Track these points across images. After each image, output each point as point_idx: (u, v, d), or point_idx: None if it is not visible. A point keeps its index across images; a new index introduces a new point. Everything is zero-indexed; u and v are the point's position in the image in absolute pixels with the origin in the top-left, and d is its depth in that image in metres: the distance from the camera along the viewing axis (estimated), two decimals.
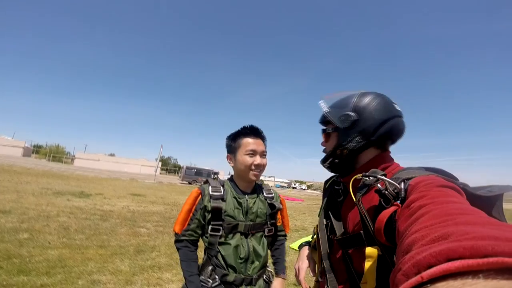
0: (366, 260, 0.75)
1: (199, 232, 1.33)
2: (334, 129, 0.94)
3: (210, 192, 1.31)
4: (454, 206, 0.43)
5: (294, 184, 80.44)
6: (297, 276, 1.15)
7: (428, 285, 0.23)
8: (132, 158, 52.07)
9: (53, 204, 6.84)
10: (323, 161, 1.00)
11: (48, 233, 4.31)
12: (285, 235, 1.58)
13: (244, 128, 1.38)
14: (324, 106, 0.96)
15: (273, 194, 1.49)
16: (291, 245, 5.21)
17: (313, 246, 1.18)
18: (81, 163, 44.55)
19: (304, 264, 1.15)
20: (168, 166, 65.02)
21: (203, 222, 1.31)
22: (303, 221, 9.22)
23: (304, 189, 72.03)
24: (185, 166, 31.44)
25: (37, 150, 57.80)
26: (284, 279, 1.50)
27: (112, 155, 60.04)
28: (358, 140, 0.88)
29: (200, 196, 1.33)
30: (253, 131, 1.37)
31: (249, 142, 1.33)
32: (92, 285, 2.69)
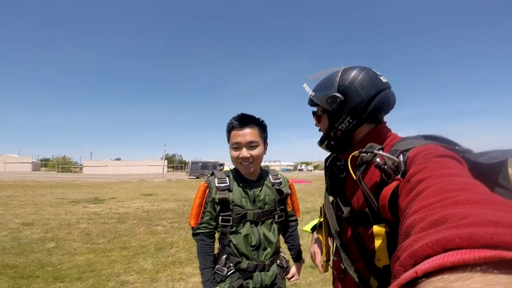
0: (375, 238, 0.76)
1: (213, 223, 1.36)
2: (323, 110, 0.94)
3: (217, 184, 1.34)
4: (453, 180, 0.42)
5: (300, 166, 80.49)
6: (313, 259, 1.17)
7: (424, 279, 0.22)
8: (138, 160, 52.75)
9: (71, 212, 7.11)
10: (320, 143, 0.99)
11: (72, 240, 4.56)
12: (296, 220, 1.59)
13: (232, 119, 1.34)
14: (309, 90, 0.95)
15: (281, 179, 1.47)
16: (304, 228, 5.35)
17: (319, 225, 1.20)
18: (90, 170, 45.25)
19: (319, 248, 1.16)
20: (174, 163, 65.68)
21: (214, 213, 1.34)
22: (313, 202, 9.38)
23: (311, 170, 72.10)
24: (190, 161, 31.74)
25: (45, 163, 58.66)
26: (301, 263, 1.56)
27: (118, 159, 60.82)
28: (349, 120, 0.87)
29: (208, 189, 1.36)
30: (240, 121, 1.31)
31: (234, 135, 1.31)
32: (121, 286, 2.91)
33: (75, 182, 19.39)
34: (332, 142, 0.94)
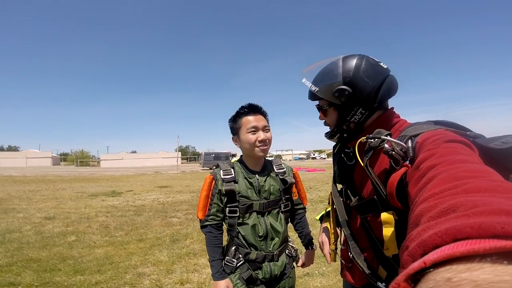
0: (383, 226, 0.74)
1: (221, 215, 1.38)
2: (329, 104, 0.91)
3: (222, 176, 1.35)
4: (464, 167, 0.41)
5: (313, 154, 79.96)
6: (321, 249, 1.16)
7: (432, 269, 0.22)
8: (152, 153, 53.88)
9: (90, 206, 7.36)
10: (331, 137, 0.97)
11: (91, 233, 4.72)
12: (304, 208, 1.60)
13: (242, 108, 1.39)
14: (311, 85, 0.91)
15: (285, 169, 1.49)
16: (317, 217, 5.34)
17: (327, 214, 1.19)
18: (107, 164, 46.63)
19: (327, 237, 1.15)
20: (188, 154, 66.71)
21: (221, 205, 1.36)
22: (327, 191, 9.32)
23: (324, 158, 71.37)
24: (203, 153, 32.18)
25: (64, 158, 60.89)
26: (313, 249, 1.56)
27: (133, 152, 62.39)
28: (361, 111, 0.86)
29: (214, 181, 1.38)
30: (251, 108, 1.38)
31: (249, 120, 1.35)
32: (138, 277, 2.99)
33: (93, 175, 20.05)
34: (345, 135, 0.92)
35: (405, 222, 0.69)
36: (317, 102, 0.98)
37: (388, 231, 0.73)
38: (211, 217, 1.37)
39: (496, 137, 0.61)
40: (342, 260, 1.06)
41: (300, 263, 1.53)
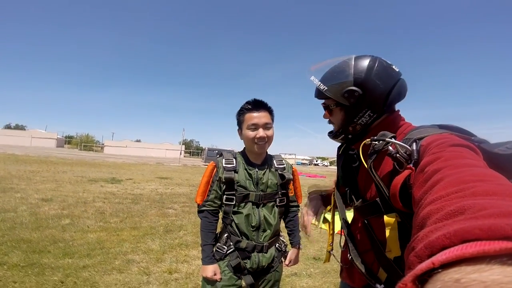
0: (386, 228, 0.74)
1: (218, 202, 1.42)
2: (336, 104, 0.89)
3: (224, 164, 1.40)
4: (471, 171, 0.41)
5: (316, 161, 79.72)
6: (302, 220, 1.17)
7: (440, 270, 0.22)
8: (157, 143, 54.11)
9: (89, 191, 7.35)
10: (335, 137, 0.96)
11: (86, 218, 4.70)
12: (298, 206, 1.63)
13: (246, 103, 1.42)
14: (319, 83, 0.89)
15: (285, 165, 1.52)
16: (313, 221, 5.29)
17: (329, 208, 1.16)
18: (110, 150, 46.93)
19: (312, 209, 1.17)
20: (191, 148, 66.95)
21: (220, 192, 1.40)
22: None
23: (327, 165, 71.30)
24: (207, 148, 32.25)
25: (68, 140, 61.42)
26: (299, 249, 1.61)
27: (138, 141, 62.65)
28: (369, 114, 0.84)
29: (215, 168, 1.41)
30: (255, 105, 1.40)
31: (251, 116, 1.38)
32: (127, 264, 2.95)
33: (96, 161, 20.15)
34: (350, 136, 0.91)
35: (407, 225, 0.68)
36: (322, 100, 0.97)
37: (390, 233, 0.73)
38: (208, 203, 1.41)
39: (500, 143, 0.62)
40: (341, 262, 1.06)
41: (287, 261, 1.57)
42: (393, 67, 0.85)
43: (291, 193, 1.55)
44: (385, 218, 0.74)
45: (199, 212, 1.43)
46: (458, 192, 0.34)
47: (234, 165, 1.41)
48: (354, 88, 0.82)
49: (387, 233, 0.74)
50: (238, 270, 1.38)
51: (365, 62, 0.83)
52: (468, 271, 0.20)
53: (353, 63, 0.84)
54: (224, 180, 1.37)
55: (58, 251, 3.11)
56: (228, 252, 1.38)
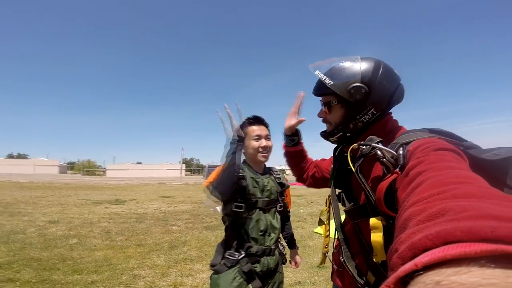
0: (372, 231, 0.74)
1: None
2: (338, 100, 0.89)
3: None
4: (453, 173, 0.42)
5: None
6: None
7: (421, 272, 0.22)
8: (157, 164, 54.29)
9: (94, 212, 7.46)
10: (330, 135, 0.94)
11: (93, 237, 4.80)
12: (289, 211, 1.81)
13: (248, 119, 1.58)
14: (325, 78, 0.88)
15: (280, 175, 1.68)
16: (315, 230, 5.33)
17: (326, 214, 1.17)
18: (112, 173, 47.00)
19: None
20: (192, 166, 66.99)
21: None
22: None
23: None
24: (207, 165, 32.29)
25: (71, 166, 61.69)
26: (297, 249, 1.80)
27: (139, 163, 62.92)
28: (373, 112, 0.85)
29: None
30: (256, 120, 1.57)
31: (254, 129, 1.54)
32: (134, 279, 3.05)
33: (99, 184, 20.24)
34: (348, 134, 0.91)
35: (392, 228, 0.65)
36: (320, 98, 0.98)
37: (376, 237, 0.73)
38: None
39: (488, 149, 0.61)
40: (333, 264, 1.07)
41: (293, 264, 1.70)
42: (395, 71, 0.89)
43: (286, 200, 1.69)
44: (371, 220, 0.75)
45: (209, 187, 1.38)
46: (440, 194, 0.34)
47: (243, 173, 1.49)
48: (361, 84, 0.83)
49: (373, 236, 0.74)
50: (249, 276, 1.41)
51: (372, 63, 0.86)
52: (448, 273, 0.20)
53: (359, 62, 0.87)
54: (238, 187, 1.42)
55: (67, 268, 3.22)
56: (239, 258, 1.41)
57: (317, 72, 0.90)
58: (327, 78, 0.88)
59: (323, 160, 1.33)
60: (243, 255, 1.42)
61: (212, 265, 1.46)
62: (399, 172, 0.60)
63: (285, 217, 1.75)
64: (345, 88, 0.85)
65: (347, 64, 0.88)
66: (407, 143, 0.65)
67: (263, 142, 1.53)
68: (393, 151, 0.65)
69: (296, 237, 1.35)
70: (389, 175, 0.64)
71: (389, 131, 0.87)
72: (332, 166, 1.08)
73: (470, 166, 0.51)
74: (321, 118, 0.99)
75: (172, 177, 40.96)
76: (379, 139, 0.74)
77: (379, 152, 0.68)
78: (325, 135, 0.97)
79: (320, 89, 0.93)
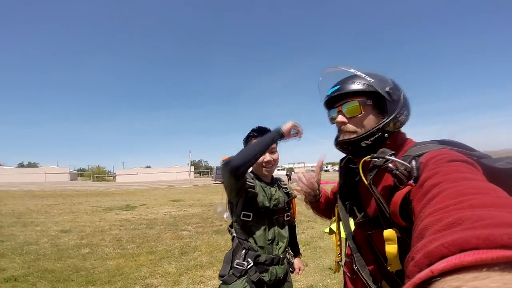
0: (386, 243, 0.74)
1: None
2: (374, 100, 0.86)
3: (247, 182, 1.43)
4: (469, 184, 0.42)
5: (326, 167, 78.76)
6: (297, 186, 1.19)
7: (438, 278, 0.22)
8: (166, 167, 54.76)
9: (105, 220, 7.55)
10: (364, 139, 0.85)
11: (104, 246, 4.86)
12: (294, 221, 1.79)
13: (252, 131, 1.55)
14: (365, 76, 0.86)
15: (287, 186, 1.68)
16: (326, 230, 5.28)
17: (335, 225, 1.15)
18: (122, 179, 47.60)
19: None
20: (200, 168, 67.40)
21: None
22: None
23: (337, 170, 69.78)
24: (215, 167, 32.36)
25: (81, 173, 62.76)
26: (300, 257, 1.80)
27: (148, 167, 63.49)
28: (406, 114, 0.86)
29: None
30: (260, 132, 1.53)
31: None
32: None
33: (109, 190, 20.51)
34: (386, 135, 0.84)
35: (407, 239, 0.69)
36: (338, 102, 0.92)
37: (391, 248, 0.73)
38: None
39: (501, 158, 0.62)
40: (346, 273, 1.05)
41: (297, 270, 1.70)
42: None
43: (292, 210, 1.68)
44: (385, 232, 0.74)
45: (226, 164, 1.30)
46: (456, 204, 0.35)
47: (253, 183, 1.48)
48: (396, 88, 0.85)
49: (387, 248, 0.74)
50: (258, 286, 1.40)
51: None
52: (467, 279, 0.20)
53: (378, 73, 0.88)
54: (249, 194, 1.42)
55: (81, 280, 3.25)
56: (248, 267, 1.39)
57: (352, 70, 0.87)
58: (367, 76, 0.85)
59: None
60: (251, 265, 1.40)
61: (221, 276, 1.44)
62: (413, 184, 0.60)
63: (290, 227, 1.74)
64: (383, 89, 0.83)
65: (370, 72, 0.87)
66: (419, 155, 0.65)
67: (267, 157, 1.50)
68: (406, 163, 0.65)
69: (307, 238, 1.30)
70: (403, 187, 0.64)
71: (399, 144, 0.86)
72: (339, 177, 1.06)
73: (485, 176, 0.51)
74: (340, 125, 0.90)
75: (181, 179, 41.23)
76: (392, 152, 0.74)
77: (390, 165, 0.69)
78: (354, 140, 0.86)
79: (346, 89, 0.86)
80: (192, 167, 41.39)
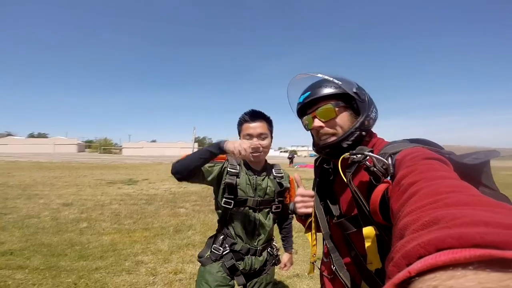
0: (365, 240, 0.75)
1: (195, 173, 1.36)
2: (345, 101, 0.87)
3: (228, 168, 1.45)
4: (444, 182, 0.44)
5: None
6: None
7: (417, 278, 0.23)
8: (171, 142, 55.34)
9: (107, 193, 7.74)
10: (344, 140, 0.85)
11: (102, 220, 4.98)
12: (290, 213, 1.67)
13: (243, 114, 1.49)
14: (333, 78, 0.87)
15: (283, 174, 1.58)
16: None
17: (309, 225, 1.14)
18: (128, 152, 48.49)
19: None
20: (204, 145, 68.01)
21: (208, 168, 1.39)
22: None
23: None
24: None
25: (88, 145, 63.86)
26: (291, 253, 1.74)
27: (153, 141, 64.28)
28: (375, 111, 0.89)
29: (225, 160, 1.46)
30: (251, 116, 1.46)
31: (247, 127, 1.45)
32: (136, 265, 3.14)
33: (114, 163, 20.95)
34: (364, 133, 0.86)
35: (385, 236, 0.71)
36: (306, 114, 0.93)
37: (370, 246, 0.74)
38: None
39: (467, 154, 0.66)
40: (324, 274, 1.05)
41: (282, 265, 1.68)
42: None
43: (287, 201, 1.61)
44: (364, 230, 0.75)
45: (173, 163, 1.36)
46: (433, 204, 0.36)
47: (238, 170, 1.45)
48: (360, 88, 0.88)
49: (367, 245, 0.75)
50: (232, 271, 1.45)
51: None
52: (444, 278, 0.21)
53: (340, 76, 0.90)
54: (225, 182, 1.42)
55: (74, 254, 3.36)
56: (224, 253, 1.44)
57: (320, 75, 0.90)
58: (335, 79, 0.87)
59: None
60: (227, 251, 1.44)
61: (199, 257, 1.52)
62: (390, 181, 0.63)
63: (284, 217, 1.70)
64: (351, 89, 0.86)
65: (335, 76, 0.89)
66: (394, 153, 0.68)
67: (254, 142, 1.42)
68: (384, 160, 0.67)
69: (300, 225, 1.21)
70: (380, 184, 0.66)
71: (373, 143, 0.88)
72: (314, 177, 1.04)
73: (455, 171, 0.55)
74: (317, 130, 0.90)
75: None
76: (370, 149, 0.78)
77: (367, 163, 0.71)
78: (336, 142, 0.86)
79: (319, 93, 0.88)
80: (196, 144, 41.72)
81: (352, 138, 0.85)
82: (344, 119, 0.87)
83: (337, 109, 0.86)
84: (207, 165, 1.38)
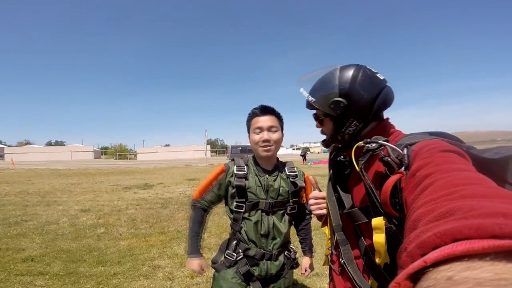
0: (374, 232, 0.74)
1: (213, 204, 1.51)
2: (325, 114, 0.91)
3: (235, 171, 1.41)
4: (461, 175, 0.42)
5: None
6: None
7: (431, 268, 0.23)
8: (184, 146, 56.09)
9: (123, 199, 7.84)
10: (327, 146, 0.98)
11: (119, 225, 5.02)
12: (310, 214, 1.57)
13: (253, 109, 1.45)
14: (307, 95, 0.91)
15: (297, 172, 1.50)
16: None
17: (325, 221, 1.13)
18: (143, 157, 49.43)
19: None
20: (217, 147, 68.45)
21: (218, 193, 1.47)
22: None
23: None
24: (230, 146, 32.70)
25: (104, 151, 65.55)
26: (311, 257, 1.61)
27: (167, 145, 65.37)
28: (356, 123, 0.86)
29: (224, 172, 1.44)
30: (261, 110, 1.42)
31: (257, 120, 1.40)
32: (153, 270, 3.13)
33: (130, 168, 21.33)
34: (340, 145, 0.94)
35: (396, 229, 0.69)
36: (314, 111, 0.98)
37: (378, 237, 0.72)
38: (204, 201, 1.48)
39: (488, 149, 0.65)
40: (332, 267, 1.03)
41: (303, 270, 1.57)
42: (378, 75, 0.86)
43: (303, 201, 1.52)
44: (374, 221, 0.74)
45: (193, 206, 1.51)
46: (449, 195, 0.35)
47: (246, 172, 1.40)
48: (339, 99, 0.84)
49: (375, 237, 0.74)
50: (247, 277, 1.39)
51: (349, 73, 0.85)
52: (460, 269, 0.21)
53: (338, 74, 0.86)
54: (234, 186, 1.37)
55: (92, 260, 3.38)
56: (237, 259, 1.39)
57: (301, 90, 0.93)
58: (310, 96, 0.90)
59: None
60: (241, 256, 1.40)
61: (213, 262, 1.49)
62: (404, 172, 0.61)
63: (301, 218, 1.59)
64: (326, 104, 0.86)
65: (326, 78, 0.89)
66: (411, 144, 0.66)
67: (265, 135, 1.37)
68: (399, 150, 0.66)
69: (316, 221, 1.15)
70: (393, 175, 0.64)
71: (387, 135, 0.85)
72: (328, 169, 1.05)
73: (473, 165, 0.52)
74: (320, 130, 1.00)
75: (198, 158, 42.21)
76: (385, 138, 0.74)
77: (382, 152, 0.69)
78: (324, 145, 0.99)
79: (309, 104, 0.94)
80: (209, 146, 42.07)
81: (331, 147, 0.96)
82: (328, 127, 0.93)
83: (321, 118, 0.93)
84: (215, 190, 1.46)
